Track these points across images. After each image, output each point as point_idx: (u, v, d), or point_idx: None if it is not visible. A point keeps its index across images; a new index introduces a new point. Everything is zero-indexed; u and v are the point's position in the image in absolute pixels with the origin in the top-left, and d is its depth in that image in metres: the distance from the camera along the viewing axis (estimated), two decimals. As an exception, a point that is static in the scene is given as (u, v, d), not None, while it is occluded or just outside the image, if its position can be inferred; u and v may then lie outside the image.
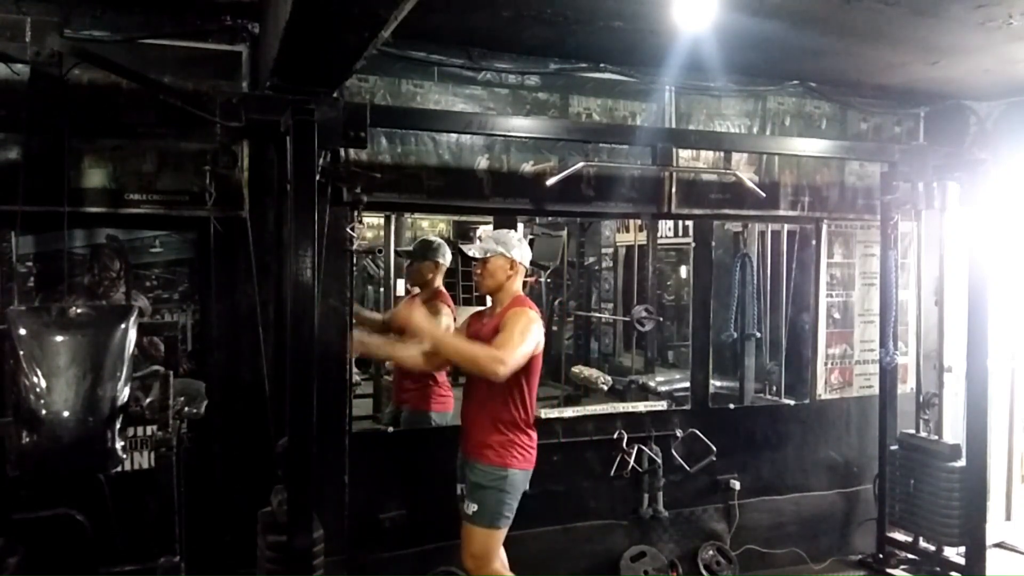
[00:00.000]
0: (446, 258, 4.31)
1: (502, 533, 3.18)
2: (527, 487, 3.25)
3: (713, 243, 4.54)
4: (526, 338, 3.06)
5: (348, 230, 3.39)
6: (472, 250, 3.30)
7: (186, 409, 2.72)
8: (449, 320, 4.06)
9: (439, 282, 4.30)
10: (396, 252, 4.03)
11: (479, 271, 3.35)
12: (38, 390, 2.39)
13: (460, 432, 3.38)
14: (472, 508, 3.14)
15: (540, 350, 3.19)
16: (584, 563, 4.11)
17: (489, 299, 3.42)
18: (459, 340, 3.13)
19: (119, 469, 2.59)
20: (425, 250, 4.27)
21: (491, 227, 4.53)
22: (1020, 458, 5.14)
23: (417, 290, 4.40)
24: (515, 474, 3.15)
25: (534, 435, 3.28)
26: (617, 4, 3.26)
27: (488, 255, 3.24)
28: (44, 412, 2.38)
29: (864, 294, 4.86)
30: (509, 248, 3.24)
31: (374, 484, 3.75)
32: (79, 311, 2.60)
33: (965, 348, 4.29)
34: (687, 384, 4.59)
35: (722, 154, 4.39)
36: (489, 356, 2.99)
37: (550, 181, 3.91)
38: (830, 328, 4.79)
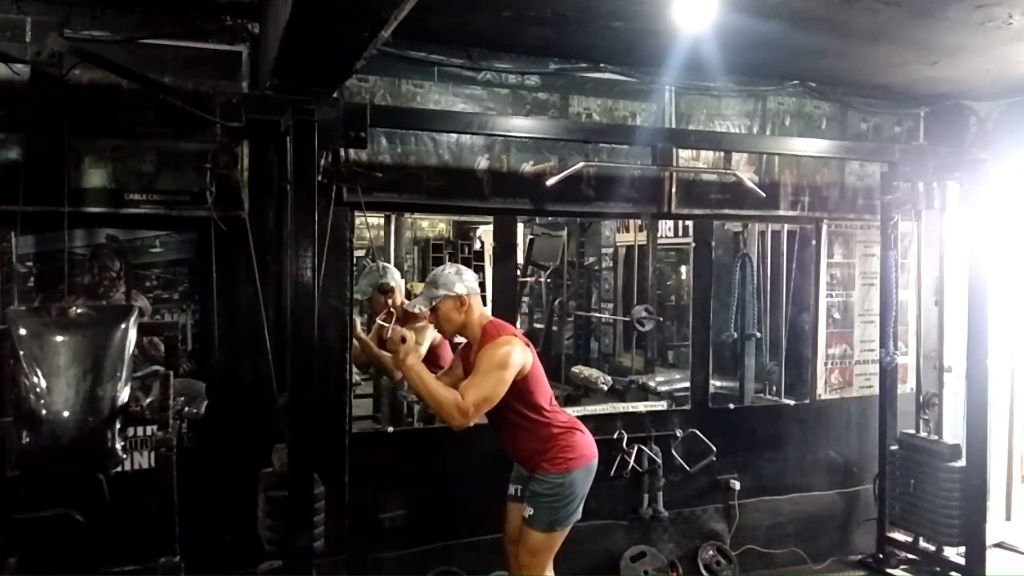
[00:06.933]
0: (396, 279, 4.01)
1: (559, 535, 3.23)
2: (591, 478, 3.28)
3: (713, 243, 4.55)
4: (495, 377, 3.03)
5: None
6: (417, 305, 3.21)
7: (186, 409, 2.72)
8: (434, 333, 3.91)
9: (400, 299, 4.04)
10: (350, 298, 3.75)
11: (434, 321, 3.33)
12: (38, 390, 2.39)
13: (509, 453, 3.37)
14: (528, 512, 3.20)
15: (528, 368, 3.15)
16: (584, 563, 4.11)
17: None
18: (430, 381, 3.02)
19: (119, 469, 2.59)
20: (374, 283, 3.93)
21: (491, 227, 4.52)
22: (1020, 458, 5.14)
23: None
24: (575, 475, 3.19)
25: (578, 427, 3.29)
26: (617, 4, 3.26)
27: (434, 302, 3.17)
28: (44, 412, 2.38)
29: (864, 294, 4.86)
30: (451, 287, 3.15)
31: (374, 484, 3.75)
32: (79, 311, 2.59)
33: (965, 348, 4.29)
34: (687, 384, 4.59)
35: (722, 154, 4.38)
36: (453, 406, 2.96)
37: (550, 181, 3.91)
38: (830, 328, 4.79)
